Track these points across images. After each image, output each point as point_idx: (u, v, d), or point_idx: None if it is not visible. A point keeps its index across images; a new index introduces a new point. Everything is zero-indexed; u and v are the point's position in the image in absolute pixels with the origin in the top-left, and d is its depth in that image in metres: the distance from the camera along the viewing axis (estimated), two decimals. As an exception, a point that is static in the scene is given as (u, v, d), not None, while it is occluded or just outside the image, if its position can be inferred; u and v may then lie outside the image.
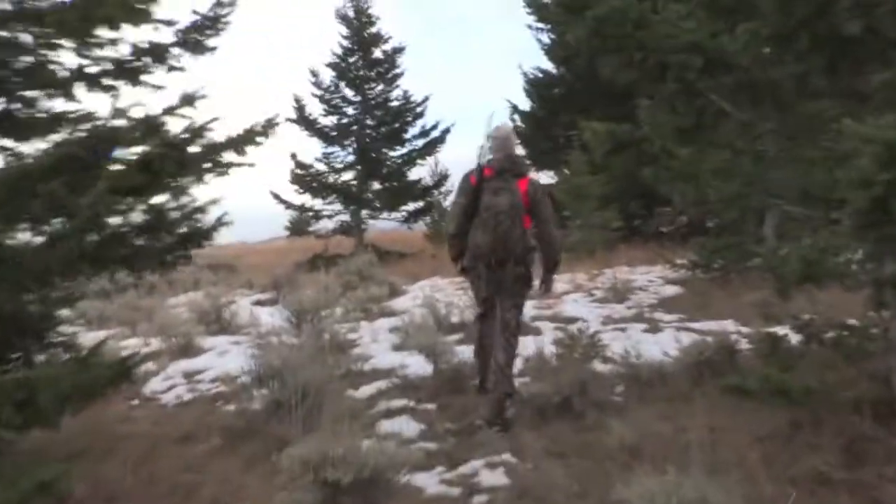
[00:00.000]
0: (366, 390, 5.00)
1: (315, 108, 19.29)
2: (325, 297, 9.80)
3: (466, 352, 5.85)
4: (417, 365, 5.34)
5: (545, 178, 19.15)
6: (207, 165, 3.90)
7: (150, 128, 3.68)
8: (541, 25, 17.99)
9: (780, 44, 3.41)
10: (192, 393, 5.61)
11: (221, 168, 3.98)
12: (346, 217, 19.81)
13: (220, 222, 3.98)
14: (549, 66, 18.43)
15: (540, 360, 4.80)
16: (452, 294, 9.96)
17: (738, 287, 7.41)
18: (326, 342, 6.20)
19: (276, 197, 19.38)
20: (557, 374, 4.29)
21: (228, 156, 4.00)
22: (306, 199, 19.66)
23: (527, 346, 5.48)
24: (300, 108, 18.74)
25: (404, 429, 4.08)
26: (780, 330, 3.90)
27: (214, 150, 3.88)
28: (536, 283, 4.48)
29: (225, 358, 6.71)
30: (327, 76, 19.23)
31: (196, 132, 3.80)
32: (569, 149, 15.12)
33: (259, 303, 11.41)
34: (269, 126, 4.08)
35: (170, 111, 3.82)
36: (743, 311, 6.53)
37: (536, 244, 4.34)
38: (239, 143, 3.98)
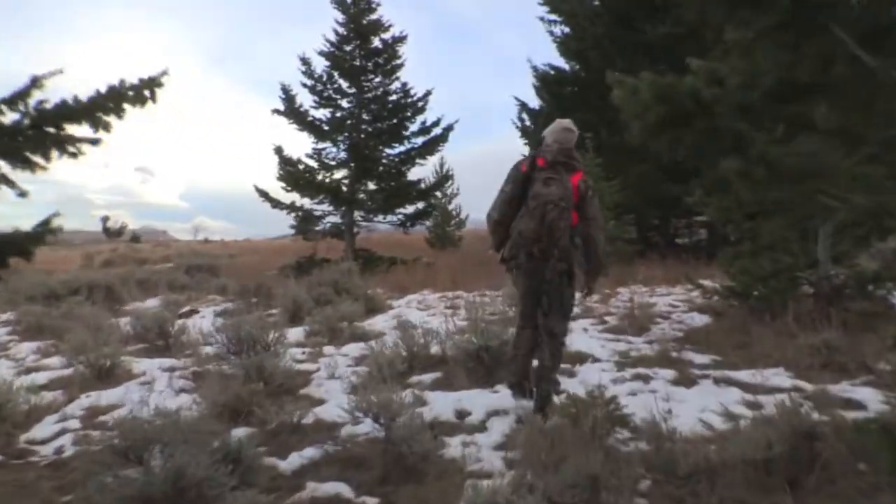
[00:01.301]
0: (295, 460, 3.70)
1: (306, 100, 18.03)
2: (285, 315, 8.60)
3: (441, 400, 4.63)
4: (371, 423, 4.05)
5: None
6: (39, 141, 2.61)
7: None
8: (554, 17, 16.75)
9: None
10: (77, 445, 4.31)
11: (64, 145, 2.69)
12: (337, 218, 18.54)
13: (45, 229, 2.69)
14: (560, 62, 17.20)
15: (536, 434, 3.48)
16: (440, 312, 8.70)
17: (784, 320, 6.12)
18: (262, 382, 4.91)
19: (263, 194, 18.12)
20: (558, 462, 2.99)
21: (80, 129, 2.73)
22: (297, 198, 18.37)
23: (520, 403, 4.42)
24: (289, 99, 17.43)
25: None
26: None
27: (48, 118, 2.59)
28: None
29: (146, 390, 5.45)
30: (320, 65, 17.96)
31: (20, 96, 2.54)
32: (580, 150, 13.79)
33: (224, 314, 10.17)
34: (147, 87, 2.80)
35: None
36: (798, 356, 5.24)
37: (580, 243, 4.30)
38: (94, 109, 2.70)
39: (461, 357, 5.34)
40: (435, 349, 6.05)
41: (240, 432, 3.98)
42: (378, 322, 8.30)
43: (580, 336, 6.59)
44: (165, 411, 3.31)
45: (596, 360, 5.71)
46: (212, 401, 4.40)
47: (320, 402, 4.88)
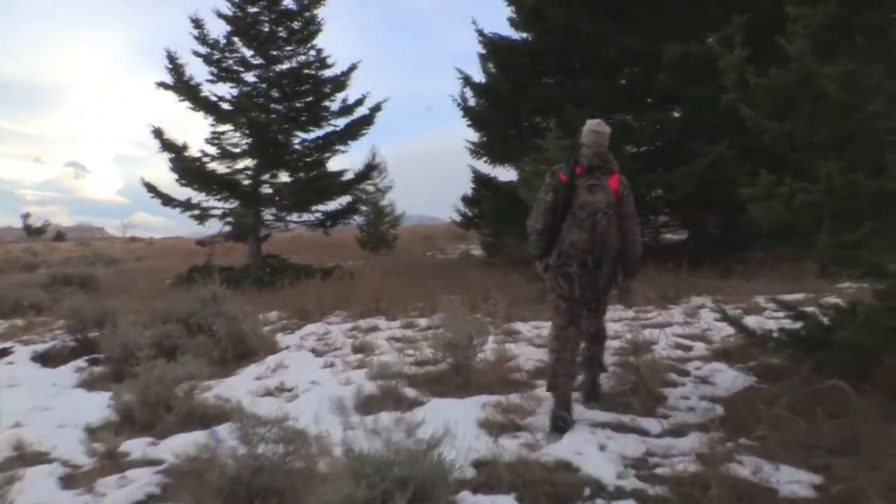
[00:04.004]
0: None
1: (199, 72, 15.04)
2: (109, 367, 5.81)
3: None
4: None
5: (506, 173, 15.55)
6: None
7: None
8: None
9: None
10: None
11: None
12: (245, 217, 15.61)
13: None
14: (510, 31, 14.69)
15: None
16: (343, 361, 6.08)
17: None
18: None
19: (151, 189, 15.12)
20: None
21: None
22: (194, 193, 15.35)
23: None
24: (176, 70, 14.40)
25: None
26: None
27: None
28: None
29: None
30: (217, 28, 15.02)
31: None
32: (537, 136, 11.38)
33: (44, 357, 7.38)
34: None
35: None
36: None
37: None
38: None
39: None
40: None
41: None
42: (243, 381, 5.64)
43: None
44: None
45: (596, 493, 3.15)
46: None
47: None
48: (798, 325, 4.52)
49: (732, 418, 3.95)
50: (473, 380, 5.00)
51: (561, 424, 4.05)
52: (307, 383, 5.42)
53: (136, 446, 4.14)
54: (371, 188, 25.08)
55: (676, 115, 12.99)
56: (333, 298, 9.76)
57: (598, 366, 4.60)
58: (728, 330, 5.95)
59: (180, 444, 3.98)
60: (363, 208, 24.26)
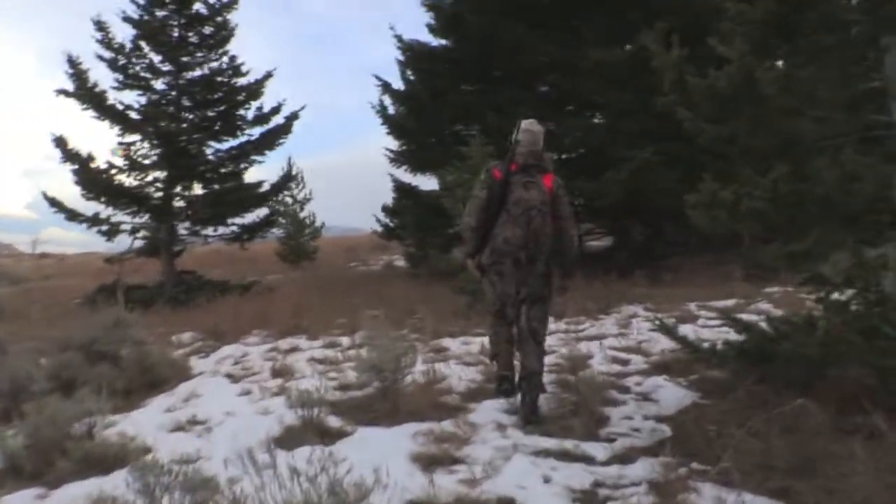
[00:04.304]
0: None
1: (104, 78, 14.23)
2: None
3: None
4: None
5: (428, 182, 15.31)
6: None
7: None
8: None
9: None
10: None
11: None
12: (157, 232, 14.82)
13: None
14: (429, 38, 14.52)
15: None
16: (260, 387, 5.70)
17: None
18: None
19: (55, 203, 14.22)
20: None
21: None
22: (103, 207, 14.46)
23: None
24: (78, 75, 13.55)
25: None
26: None
27: None
28: None
29: None
30: (123, 32, 14.26)
31: None
32: (459, 144, 11.20)
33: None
34: None
35: None
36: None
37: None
38: None
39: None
40: None
41: None
42: (152, 415, 5.16)
43: (498, 448, 3.79)
44: None
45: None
46: None
47: None
48: (740, 335, 4.41)
49: (681, 440, 3.75)
50: (402, 405, 4.68)
51: (506, 387, 4.59)
52: (222, 414, 4.98)
53: (21, 501, 3.66)
54: (290, 200, 24.49)
55: (598, 121, 13.06)
56: (251, 317, 9.28)
57: (537, 385, 4.36)
58: (665, 341, 5.86)
59: (73, 497, 3.54)
60: (282, 220, 23.67)
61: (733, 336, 4.74)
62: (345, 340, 7.55)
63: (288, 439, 4.28)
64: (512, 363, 4.64)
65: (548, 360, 5.78)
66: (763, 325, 4.34)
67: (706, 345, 4.59)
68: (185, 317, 10.63)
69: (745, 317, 5.07)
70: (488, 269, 4.47)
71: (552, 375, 5.26)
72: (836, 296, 4.10)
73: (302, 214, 24.34)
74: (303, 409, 4.54)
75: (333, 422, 4.54)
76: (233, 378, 6.20)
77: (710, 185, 3.72)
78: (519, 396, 4.42)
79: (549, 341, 6.49)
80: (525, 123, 4.55)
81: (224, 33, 15.01)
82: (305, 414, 4.48)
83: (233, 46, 15.19)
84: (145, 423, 4.87)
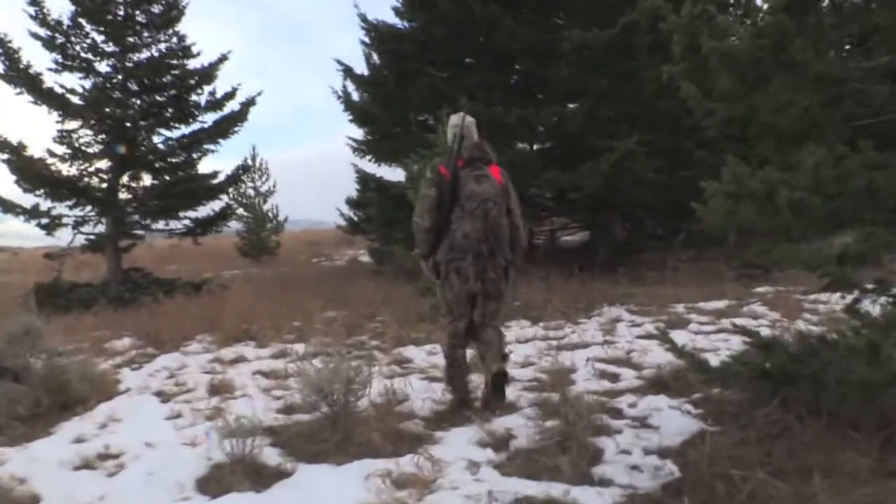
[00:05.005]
0: None
1: (41, 59, 13.20)
2: None
3: None
4: None
5: (393, 173, 14.57)
6: None
7: None
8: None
9: None
10: None
11: None
12: (102, 226, 13.84)
13: None
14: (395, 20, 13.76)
15: None
16: (193, 410, 4.93)
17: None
18: None
19: (-9, 195, 13.19)
20: None
21: None
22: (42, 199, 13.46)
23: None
24: (8, 55, 12.48)
25: None
26: None
27: None
28: None
29: None
30: (60, 8, 13.19)
31: None
32: (426, 132, 10.50)
33: None
34: None
35: None
36: None
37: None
38: None
39: None
40: None
41: None
42: (56, 446, 4.32)
43: (469, 497, 3.07)
44: None
45: None
46: None
47: None
48: (757, 351, 3.73)
49: (692, 482, 3.07)
50: (355, 435, 3.93)
51: (467, 414, 4.31)
52: (141, 445, 4.18)
53: None
54: (252, 192, 23.62)
55: (574, 108, 12.38)
56: (197, 320, 8.47)
57: (498, 358, 4.29)
58: (657, 350, 5.24)
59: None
60: (243, 213, 22.78)
61: (736, 345, 4.12)
62: (298, 348, 6.80)
63: (214, 481, 3.54)
64: (468, 388, 4.52)
65: (526, 374, 5.15)
66: (787, 339, 3.68)
67: (716, 363, 3.89)
68: (128, 319, 9.75)
69: (753, 325, 4.43)
70: (446, 267, 4.37)
71: (532, 395, 4.57)
72: (864, 304, 3.50)
73: (265, 207, 23.55)
74: (235, 443, 3.79)
75: (271, 456, 3.80)
76: (163, 396, 5.40)
77: (741, 169, 2.99)
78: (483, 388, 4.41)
79: (526, 351, 5.86)
80: (456, 118, 4.56)
81: (175, 12, 14.03)
82: (236, 450, 3.72)
83: (185, 26, 14.24)
84: (45, 459, 4.04)
